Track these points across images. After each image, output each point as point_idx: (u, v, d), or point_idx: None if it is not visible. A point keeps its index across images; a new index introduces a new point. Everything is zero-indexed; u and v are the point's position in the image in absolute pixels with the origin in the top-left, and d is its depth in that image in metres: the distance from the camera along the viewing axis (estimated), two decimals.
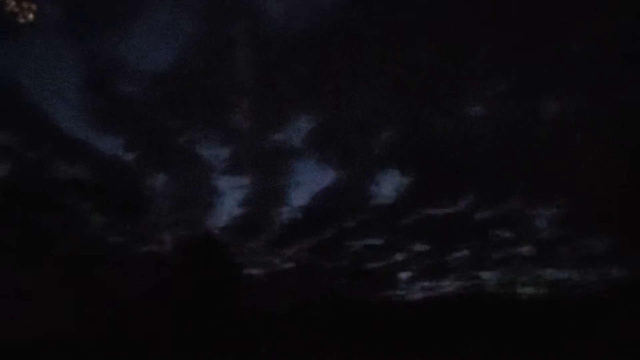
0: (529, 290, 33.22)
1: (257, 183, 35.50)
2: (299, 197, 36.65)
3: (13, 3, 13.58)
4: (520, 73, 33.52)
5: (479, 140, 33.54)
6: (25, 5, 13.86)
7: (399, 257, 35.07)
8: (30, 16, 14.13)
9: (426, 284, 34.14)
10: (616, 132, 31.57)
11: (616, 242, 32.07)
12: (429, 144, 33.91)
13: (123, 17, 31.74)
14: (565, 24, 32.08)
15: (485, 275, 34.10)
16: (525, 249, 34.14)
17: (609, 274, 31.64)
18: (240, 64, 33.91)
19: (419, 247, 35.06)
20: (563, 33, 32.52)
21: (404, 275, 34.67)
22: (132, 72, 32.78)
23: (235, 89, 34.42)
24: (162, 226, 34.24)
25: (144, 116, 34.15)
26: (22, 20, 14.19)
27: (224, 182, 35.80)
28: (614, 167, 31.23)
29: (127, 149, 34.24)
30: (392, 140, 34.87)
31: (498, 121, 33.45)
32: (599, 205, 32.12)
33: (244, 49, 34.20)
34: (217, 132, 35.09)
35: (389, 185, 35.51)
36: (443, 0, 32.29)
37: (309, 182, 36.62)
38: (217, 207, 35.39)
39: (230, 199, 35.91)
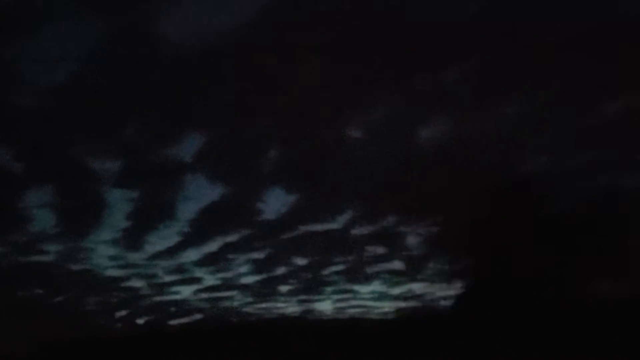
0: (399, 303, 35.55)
1: (146, 196, 35.77)
2: (187, 209, 36.76)
3: None
4: (399, 100, 35.18)
5: (359, 162, 35.00)
6: None
7: (281, 270, 36.63)
8: None
9: (303, 297, 35.49)
10: (480, 160, 33.97)
11: (470, 261, 34.43)
12: (313, 164, 35.29)
13: (20, 27, 31.46)
14: (442, 56, 33.28)
15: (358, 288, 36.19)
16: (397, 265, 36.20)
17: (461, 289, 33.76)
18: (135, 80, 33.50)
19: (300, 261, 36.61)
20: (439, 65, 33.86)
21: (284, 289, 36.03)
22: (26, 83, 32.63)
23: (130, 104, 34.30)
24: (46, 237, 34.44)
25: (37, 128, 33.70)
26: None
27: (113, 195, 35.83)
28: (476, 195, 33.04)
29: (16, 160, 34.16)
30: (278, 158, 35.77)
31: (378, 145, 35.14)
32: (460, 227, 34.55)
33: (140, 67, 33.61)
34: (109, 145, 35.14)
35: (274, 202, 36.60)
36: (337, 25, 32.27)
37: (197, 196, 36.79)
38: (104, 220, 35.65)
39: (118, 212, 36.14)
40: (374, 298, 36.58)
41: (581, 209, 32.34)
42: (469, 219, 34.18)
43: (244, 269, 36.97)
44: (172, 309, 36.11)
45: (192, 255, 36.97)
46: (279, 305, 36.25)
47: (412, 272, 36.24)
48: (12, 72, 32.35)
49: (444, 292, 35.27)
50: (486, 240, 33.89)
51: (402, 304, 36.26)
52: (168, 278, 36.77)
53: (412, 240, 36.28)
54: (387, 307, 36.40)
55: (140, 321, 35.80)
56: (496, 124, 34.22)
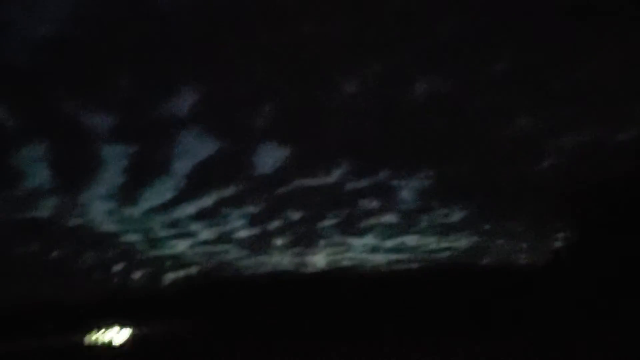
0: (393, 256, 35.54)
1: (141, 151, 35.59)
2: (183, 164, 38.19)
3: None
4: (394, 56, 35.51)
5: (353, 116, 35.05)
6: None
7: (275, 224, 36.47)
8: None
9: (298, 250, 35.47)
10: (475, 115, 34.56)
11: (468, 213, 34.86)
12: (307, 118, 35.14)
13: None
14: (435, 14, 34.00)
15: (352, 241, 36.03)
16: (391, 218, 36.15)
17: (460, 241, 34.43)
18: (129, 36, 33.99)
19: (293, 214, 36.33)
20: (435, 22, 34.72)
21: (277, 242, 35.87)
22: (19, 39, 34.60)
23: (124, 59, 34.75)
24: (41, 193, 34.48)
25: (30, 83, 33.96)
26: None
27: (108, 151, 36.34)
28: (473, 147, 34.33)
29: (10, 116, 35.14)
30: (272, 113, 35.84)
31: (372, 99, 35.06)
32: (453, 181, 35.10)
33: (135, 21, 34.54)
34: (103, 99, 35.85)
35: (269, 157, 38.16)
36: None
37: (192, 150, 38.63)
38: (99, 175, 35.56)
39: (113, 167, 36.92)
40: (367, 251, 36.37)
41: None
42: (462, 171, 35.19)
43: (238, 223, 36.37)
44: (168, 263, 35.77)
45: (187, 210, 36.76)
46: (274, 258, 35.94)
47: (405, 225, 36.18)
48: (3, 28, 33.60)
49: (438, 245, 35.53)
50: (479, 192, 34.78)
51: (395, 256, 36.44)
52: (163, 233, 36.37)
53: (405, 193, 36.81)
54: (381, 259, 36.49)
55: (135, 275, 35.45)
56: (488, 78, 33.70)
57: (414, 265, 34.93)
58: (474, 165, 34.82)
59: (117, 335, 27.54)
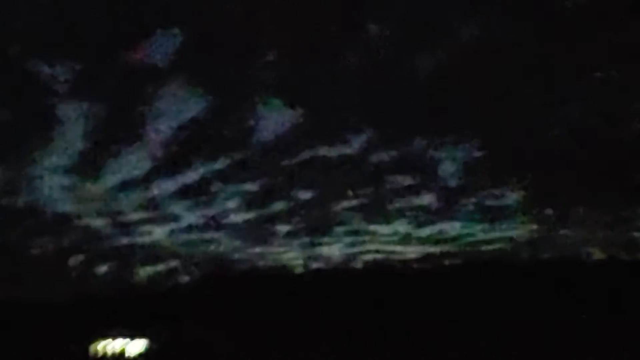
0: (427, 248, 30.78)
1: (109, 109, 30.27)
2: (161, 127, 30.92)
3: None
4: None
5: (380, 66, 29.13)
6: None
7: (279, 205, 31.34)
8: None
9: (307, 239, 30.74)
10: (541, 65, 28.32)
11: (526, 195, 29.85)
12: (321, 69, 29.44)
13: None
14: None
15: (377, 228, 31.13)
16: (427, 199, 31.01)
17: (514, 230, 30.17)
18: None
19: (303, 194, 31.11)
20: None
21: (282, 229, 31.06)
22: None
23: None
24: None
25: None
26: None
27: (65, 110, 30.12)
28: (534, 108, 28.78)
29: None
30: (277, 64, 29.67)
31: (405, 43, 28.97)
32: (511, 151, 29.76)
33: None
34: (63, 44, 29.23)
35: (272, 119, 31.01)
36: None
37: (173, 110, 31.14)
38: (55, 140, 30.16)
39: (72, 130, 30.32)
40: (396, 241, 31.18)
41: None
42: (519, 140, 29.61)
43: (232, 204, 31.29)
44: (141, 254, 30.99)
45: (166, 186, 31.20)
46: (276, 250, 30.96)
47: (445, 209, 30.90)
48: None
49: (486, 235, 30.46)
50: (540, 168, 29.68)
51: (431, 249, 31.16)
52: (135, 215, 31.13)
53: (446, 167, 30.68)
54: (413, 252, 31.31)
55: (99, 270, 30.81)
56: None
57: (456, 261, 30.25)
58: (535, 133, 29.32)
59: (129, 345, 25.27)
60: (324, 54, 28.96)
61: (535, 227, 29.89)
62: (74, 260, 30.21)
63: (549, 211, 29.93)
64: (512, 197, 29.86)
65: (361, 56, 28.91)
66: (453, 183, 30.30)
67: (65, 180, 30.70)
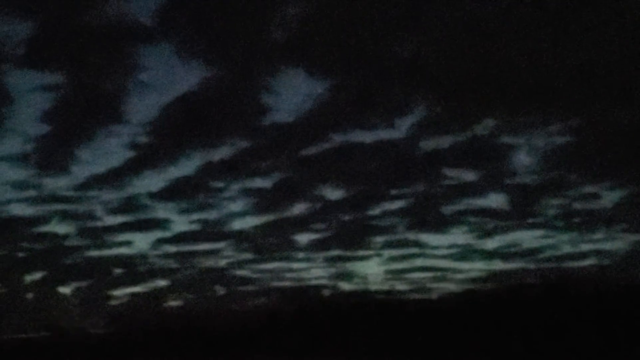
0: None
1: (76, 82, 25.89)
2: (146, 105, 27.64)
3: None
4: None
5: (436, 29, 23.87)
6: None
7: (300, 208, 26.87)
8: None
9: (337, 252, 26.10)
10: None
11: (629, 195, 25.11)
12: (354, 30, 24.11)
13: None
14: None
15: (428, 239, 26.74)
16: (495, 201, 26.47)
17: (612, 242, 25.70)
18: None
19: (331, 193, 26.78)
20: None
21: (303, 239, 26.63)
22: None
23: None
24: None
25: None
26: None
27: (21, 79, 28.11)
28: None
29: None
30: (297, 21, 24.61)
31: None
32: (611, 137, 24.27)
33: None
34: None
35: (290, 94, 27.83)
36: None
37: (162, 83, 29.83)
38: (5, 122, 25.81)
39: (29, 108, 27.12)
40: (453, 256, 26.75)
41: None
42: (621, 122, 23.70)
43: (238, 205, 27.31)
44: (118, 270, 26.58)
45: (150, 182, 27.48)
46: (295, 265, 26.52)
47: (519, 214, 26.13)
48: None
49: (574, 247, 25.80)
50: None
51: (500, 266, 26.68)
52: (111, 219, 27.24)
53: (521, 159, 26.02)
54: (475, 270, 26.83)
55: (64, 289, 26.37)
56: None
57: (533, 281, 25.18)
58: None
59: None
60: (355, 15, 24.19)
61: (638, 238, 25.99)
62: (31, 278, 26.43)
63: None
64: (609, 198, 25.91)
65: (404, 19, 24.33)
66: (529, 179, 26.08)
67: (19, 174, 27.57)
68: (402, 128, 26.67)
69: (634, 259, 25.91)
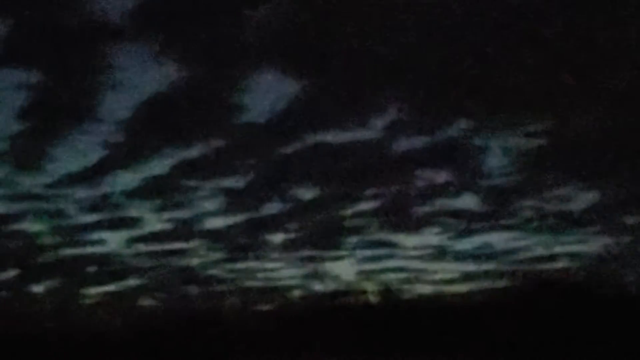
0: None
1: (51, 80, 25.52)
2: (120, 104, 26.21)
3: None
4: None
5: (411, 26, 23.46)
6: None
7: (273, 207, 26.80)
8: None
9: (310, 252, 25.93)
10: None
11: (602, 196, 25.07)
12: (328, 29, 23.73)
13: None
14: None
15: (401, 240, 26.46)
16: (469, 202, 26.36)
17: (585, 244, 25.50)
18: None
19: (304, 193, 26.52)
20: None
21: (276, 239, 26.59)
22: None
23: None
24: None
25: None
26: None
27: None
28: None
29: None
30: (271, 19, 24.28)
31: None
32: (583, 137, 24.01)
33: None
34: None
35: (264, 93, 26.31)
36: None
37: (136, 82, 26.16)
38: None
39: (2, 106, 25.98)
40: (426, 256, 26.54)
41: None
42: (592, 123, 23.60)
43: (211, 204, 27.03)
44: (91, 268, 26.23)
45: (123, 180, 26.98)
46: (268, 265, 26.38)
47: (491, 215, 26.13)
48: None
49: (548, 250, 25.53)
50: (623, 159, 23.79)
51: (472, 267, 26.40)
52: (84, 218, 26.93)
53: (493, 160, 25.95)
54: (448, 271, 26.60)
55: (36, 288, 26.05)
56: None
57: (504, 283, 25.05)
58: (618, 112, 23.16)
59: None
60: (329, 9, 23.73)
61: (610, 240, 25.49)
62: (4, 276, 26.08)
63: (631, 219, 25.37)
64: (582, 199, 25.75)
65: (378, 19, 24.03)
66: (503, 181, 25.78)
67: None
68: (375, 128, 26.36)
69: (606, 261, 25.73)
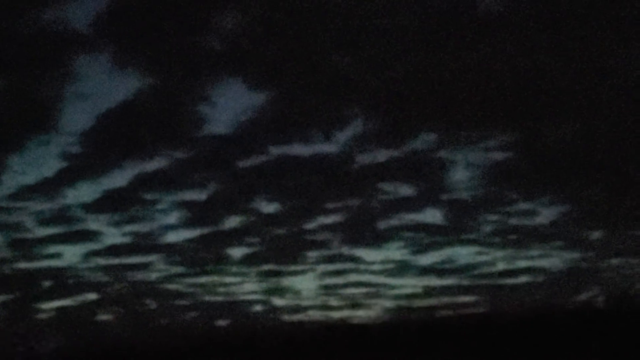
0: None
1: (8, 89, 24.75)
2: (80, 115, 25.39)
3: None
4: None
5: (375, 41, 23.69)
6: None
7: (234, 221, 26.09)
8: None
9: (270, 267, 25.26)
10: None
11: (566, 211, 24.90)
12: (292, 42, 23.69)
13: None
14: None
15: (363, 254, 26.08)
16: (432, 216, 26.08)
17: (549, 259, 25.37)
18: None
19: (266, 206, 26.07)
20: None
21: (236, 253, 25.85)
22: None
23: None
24: None
25: None
26: None
27: None
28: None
29: None
30: (235, 30, 24.17)
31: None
32: (551, 149, 24.11)
33: None
34: None
35: (227, 104, 25.82)
36: None
37: (98, 92, 25.58)
38: None
39: None
40: (389, 271, 25.94)
41: None
42: (562, 134, 23.78)
43: (171, 218, 26.53)
44: (48, 283, 25.48)
45: (81, 192, 26.23)
46: (229, 280, 25.77)
47: (455, 229, 25.70)
48: None
49: (511, 264, 25.33)
50: (587, 173, 23.83)
51: (435, 282, 26.07)
52: (41, 231, 26.11)
53: (460, 174, 25.52)
54: (410, 285, 26.11)
55: None
56: None
57: (470, 299, 25.01)
58: (582, 128, 23.41)
59: None
60: (298, 19, 23.38)
61: (575, 255, 25.42)
62: None
63: (594, 234, 25.31)
64: (545, 214, 25.54)
65: (342, 27, 23.90)
66: (466, 195, 25.47)
67: None
68: (338, 141, 25.91)
69: (568, 276, 25.52)
